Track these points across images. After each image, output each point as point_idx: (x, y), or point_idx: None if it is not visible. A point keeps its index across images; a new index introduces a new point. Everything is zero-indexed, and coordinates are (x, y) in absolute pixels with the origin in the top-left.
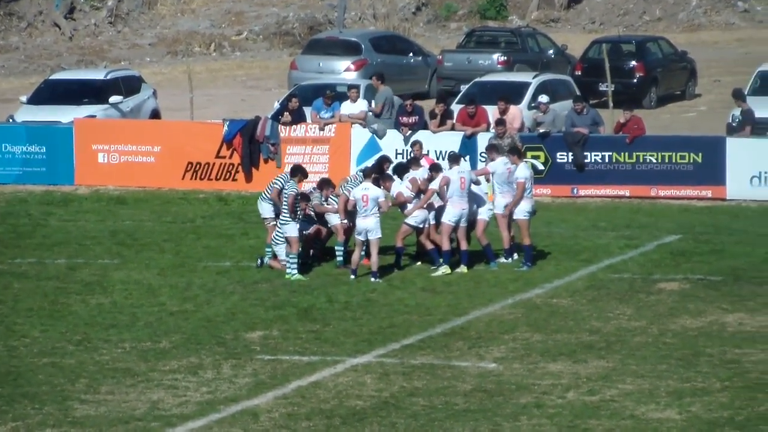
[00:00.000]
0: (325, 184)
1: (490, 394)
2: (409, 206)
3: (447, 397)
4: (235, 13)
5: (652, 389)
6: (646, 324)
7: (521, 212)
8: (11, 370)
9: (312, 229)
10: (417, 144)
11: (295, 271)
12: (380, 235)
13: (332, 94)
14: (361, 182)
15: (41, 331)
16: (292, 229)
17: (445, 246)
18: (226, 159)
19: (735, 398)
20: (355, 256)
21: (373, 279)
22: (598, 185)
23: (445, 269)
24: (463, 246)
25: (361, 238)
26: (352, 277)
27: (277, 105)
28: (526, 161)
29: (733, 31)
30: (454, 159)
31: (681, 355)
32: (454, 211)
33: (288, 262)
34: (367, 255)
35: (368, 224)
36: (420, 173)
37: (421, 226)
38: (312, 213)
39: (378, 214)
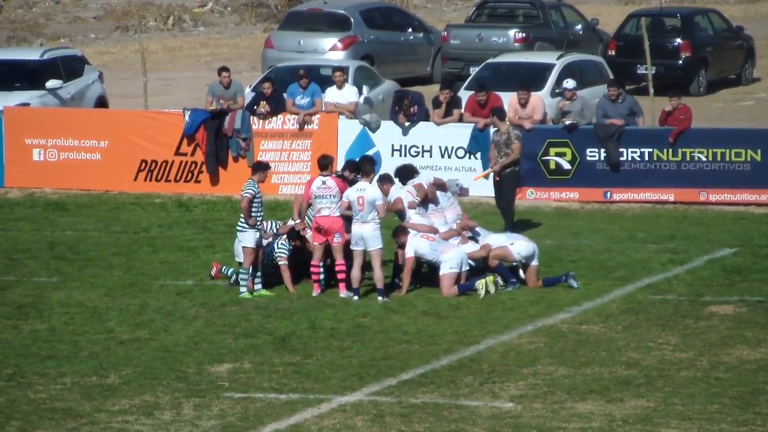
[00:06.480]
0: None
1: None
2: (412, 216)
3: None
4: None
5: None
6: (695, 355)
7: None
8: None
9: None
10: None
11: (245, 289)
12: (381, 246)
13: (305, 74)
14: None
15: None
16: (248, 239)
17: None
18: (188, 156)
19: None
20: (355, 272)
21: (381, 299)
22: (637, 188)
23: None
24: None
25: (358, 248)
26: (356, 298)
27: (249, 91)
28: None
29: None
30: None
31: (736, 393)
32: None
33: (240, 278)
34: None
35: (365, 231)
36: (425, 178)
37: None
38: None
39: (377, 221)
